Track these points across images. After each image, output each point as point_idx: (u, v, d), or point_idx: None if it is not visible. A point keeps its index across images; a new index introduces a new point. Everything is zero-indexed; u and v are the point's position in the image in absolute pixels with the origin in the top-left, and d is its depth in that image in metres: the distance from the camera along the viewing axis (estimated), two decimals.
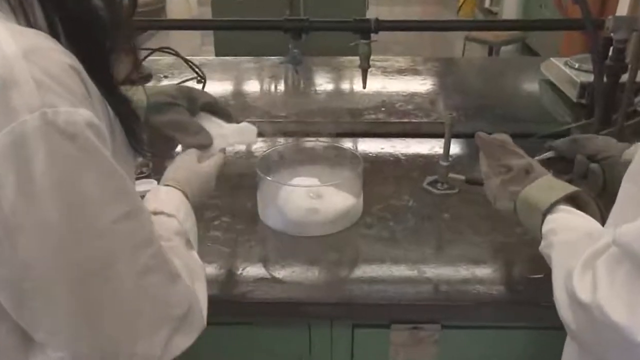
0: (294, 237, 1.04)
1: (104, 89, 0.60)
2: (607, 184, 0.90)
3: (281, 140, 1.40)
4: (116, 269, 0.56)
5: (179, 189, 0.79)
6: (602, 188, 0.90)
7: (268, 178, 1.08)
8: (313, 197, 1.07)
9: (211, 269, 0.96)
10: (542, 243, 0.77)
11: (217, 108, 0.92)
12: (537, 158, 0.93)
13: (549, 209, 0.78)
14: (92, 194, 0.54)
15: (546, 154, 0.95)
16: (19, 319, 0.56)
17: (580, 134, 0.98)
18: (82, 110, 0.53)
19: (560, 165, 0.88)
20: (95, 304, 0.56)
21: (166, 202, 0.76)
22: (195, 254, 0.75)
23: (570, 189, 0.79)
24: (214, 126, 0.89)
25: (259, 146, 1.39)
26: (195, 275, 0.69)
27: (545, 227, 0.77)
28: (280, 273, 0.96)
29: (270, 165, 1.14)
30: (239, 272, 0.96)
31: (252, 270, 0.96)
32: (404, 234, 1.05)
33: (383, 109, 1.56)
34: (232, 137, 0.90)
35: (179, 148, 0.90)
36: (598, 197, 0.80)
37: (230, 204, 1.14)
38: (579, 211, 0.77)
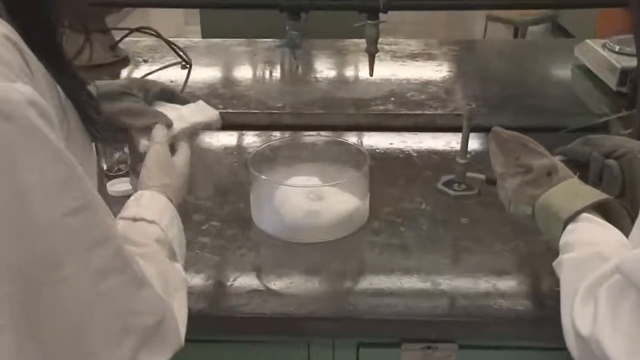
0: (292, 244, 1.05)
1: (51, 68, 0.60)
2: (626, 182, 0.89)
3: (277, 134, 1.41)
4: (66, 271, 0.55)
5: (163, 194, 0.80)
6: (621, 188, 0.90)
7: (262, 177, 1.09)
8: (313, 198, 1.08)
9: (198, 280, 0.97)
10: (558, 258, 0.77)
11: (172, 95, 0.97)
12: None
13: (572, 218, 0.77)
14: (33, 182, 0.52)
15: (555, 158, 0.94)
16: None
17: (594, 134, 0.97)
18: (21, 86, 0.52)
19: (573, 171, 0.88)
20: (42, 313, 0.55)
21: (149, 207, 0.77)
22: (178, 265, 0.75)
23: (599, 196, 0.79)
24: (170, 110, 0.94)
25: (252, 141, 1.40)
26: (173, 287, 0.70)
27: (563, 239, 0.77)
28: (275, 284, 0.97)
29: (265, 163, 1.15)
30: (229, 284, 0.97)
31: (244, 281, 0.97)
32: (416, 241, 1.06)
33: (392, 99, 1.56)
34: (191, 117, 0.95)
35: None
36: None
37: (219, 206, 1.15)
38: (604, 221, 0.77)
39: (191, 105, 0.97)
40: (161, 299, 0.65)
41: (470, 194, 1.18)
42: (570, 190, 0.81)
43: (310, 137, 1.29)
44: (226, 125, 1.43)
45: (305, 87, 1.66)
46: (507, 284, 0.96)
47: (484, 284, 0.96)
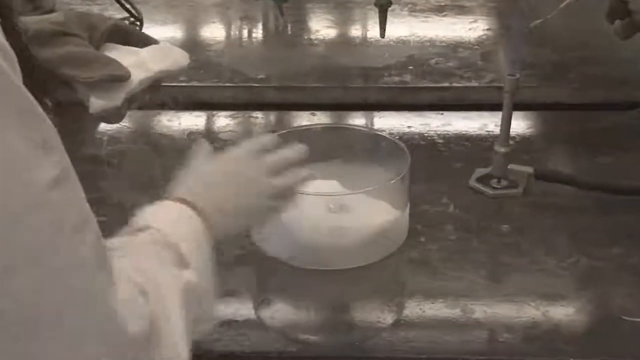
0: (291, 268, 1.04)
1: None
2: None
3: (259, 114, 1.42)
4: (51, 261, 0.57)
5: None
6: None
7: None
8: (334, 209, 1.06)
9: None
10: None
11: (126, 34, 0.98)
12: None
13: None
14: (17, 147, 0.54)
15: None
16: None
17: None
18: None
19: None
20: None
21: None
22: (185, 273, 0.76)
23: None
24: (127, 55, 0.95)
25: (226, 123, 1.40)
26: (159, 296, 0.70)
27: None
28: (267, 315, 0.98)
29: None
30: None
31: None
32: (442, 256, 1.07)
33: (411, 67, 1.57)
34: (154, 63, 0.95)
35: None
36: None
37: None
38: None
39: (153, 48, 0.98)
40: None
41: (514, 192, 1.18)
42: None
43: (324, 125, 1.29)
44: (192, 103, 1.45)
45: (295, 53, 1.66)
46: (562, 312, 0.97)
47: (531, 311, 0.97)
